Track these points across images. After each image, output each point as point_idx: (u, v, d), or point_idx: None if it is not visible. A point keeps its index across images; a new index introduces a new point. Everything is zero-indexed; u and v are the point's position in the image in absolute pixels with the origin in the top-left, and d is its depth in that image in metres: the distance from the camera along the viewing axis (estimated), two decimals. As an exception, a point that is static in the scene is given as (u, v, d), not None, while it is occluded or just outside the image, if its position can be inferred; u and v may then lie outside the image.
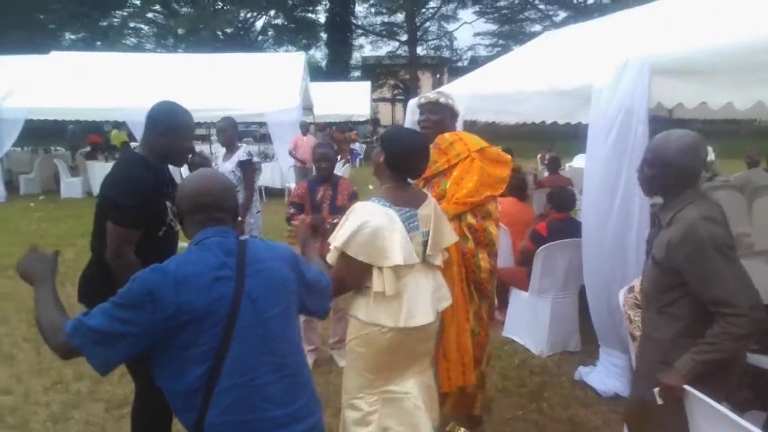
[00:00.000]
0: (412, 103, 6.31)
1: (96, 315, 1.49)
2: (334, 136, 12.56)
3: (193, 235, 1.68)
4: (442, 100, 3.11)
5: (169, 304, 1.48)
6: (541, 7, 33.57)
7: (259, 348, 1.58)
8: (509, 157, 3.23)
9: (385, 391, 2.36)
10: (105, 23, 34.13)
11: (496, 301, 3.33)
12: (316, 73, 18.54)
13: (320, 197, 3.90)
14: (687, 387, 1.91)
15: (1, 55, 13.80)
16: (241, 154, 4.88)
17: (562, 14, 32.49)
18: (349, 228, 2.22)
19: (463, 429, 3.18)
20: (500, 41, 35.70)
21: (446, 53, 38.54)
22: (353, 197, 3.97)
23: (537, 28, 32.17)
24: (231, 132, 5.03)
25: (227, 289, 1.56)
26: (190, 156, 2.63)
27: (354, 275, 2.27)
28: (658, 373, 2.02)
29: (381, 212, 2.27)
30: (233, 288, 1.56)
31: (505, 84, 5.20)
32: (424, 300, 2.35)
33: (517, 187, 5.08)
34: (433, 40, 37.71)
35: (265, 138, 18.06)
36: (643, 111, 3.24)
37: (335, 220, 3.35)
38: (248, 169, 4.90)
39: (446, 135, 3.05)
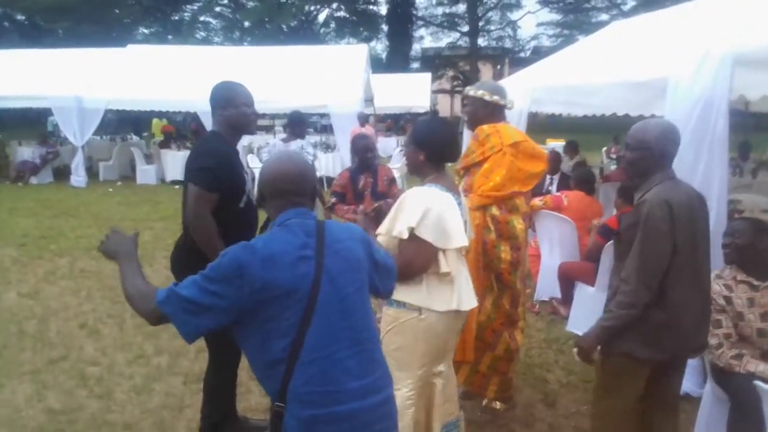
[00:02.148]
0: None
1: (188, 286, 1.60)
2: (406, 129, 12.53)
3: (275, 217, 1.78)
4: (471, 92, 3.15)
5: (256, 279, 1.57)
6: (608, -5, 32.37)
7: (339, 323, 1.66)
8: (545, 152, 3.24)
9: (420, 378, 2.41)
10: (176, 17, 35.48)
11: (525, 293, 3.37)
12: (376, 64, 18.63)
13: (362, 185, 4.08)
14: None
15: (80, 48, 14.65)
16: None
17: (630, 2, 31.19)
18: (417, 211, 2.28)
19: (499, 403, 3.27)
20: (565, 31, 34.69)
21: (508, 44, 37.84)
22: (393, 182, 4.17)
23: (604, 17, 31.06)
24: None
25: (309, 267, 1.64)
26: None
27: (424, 258, 2.30)
28: None
29: (441, 196, 2.35)
30: (314, 267, 1.65)
31: (574, 75, 5.10)
32: (467, 286, 2.45)
33: (585, 181, 4.99)
34: (495, 30, 37.09)
35: (326, 129, 18.36)
36: (724, 104, 3.12)
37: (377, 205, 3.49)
38: None
39: (485, 127, 3.07)
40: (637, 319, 2.17)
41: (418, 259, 2.30)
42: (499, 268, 2.98)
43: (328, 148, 13.38)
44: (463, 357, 2.95)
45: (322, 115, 18.79)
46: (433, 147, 2.44)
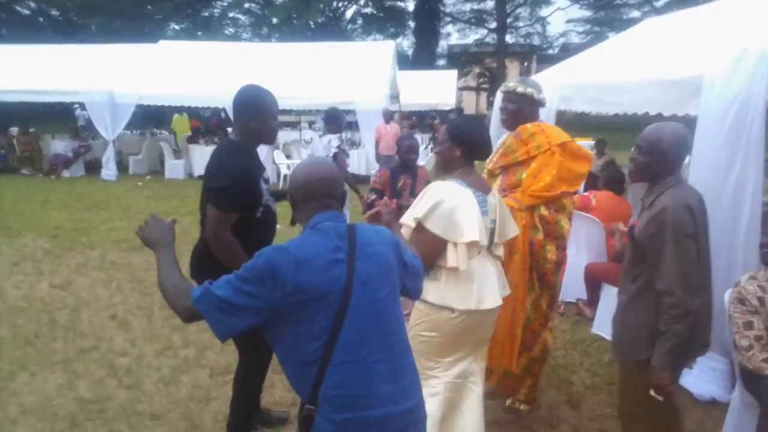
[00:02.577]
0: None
1: (222, 285, 1.62)
2: (434, 127, 12.46)
3: (305, 220, 1.78)
4: (519, 89, 3.10)
5: (289, 281, 1.58)
6: (640, -9, 31.70)
7: (371, 327, 1.66)
8: (590, 153, 3.19)
9: (448, 368, 2.42)
10: (206, 14, 35.91)
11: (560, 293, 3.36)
12: (402, 61, 18.57)
13: (401, 185, 4.23)
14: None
15: (113, 44, 14.92)
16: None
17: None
18: (428, 202, 2.32)
19: (519, 402, 3.24)
20: (595, 28, 34.13)
21: (536, 40, 37.39)
22: (429, 183, 4.10)
23: (635, 14, 30.48)
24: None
25: (341, 270, 1.64)
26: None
27: (428, 249, 2.30)
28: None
29: (459, 191, 2.37)
30: (346, 270, 1.65)
31: (605, 73, 5.01)
32: (492, 285, 2.43)
33: (615, 180, 4.90)
34: (524, 27, 36.67)
35: (350, 125, 18.40)
36: (761, 104, 3.05)
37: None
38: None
39: (528, 126, 3.03)
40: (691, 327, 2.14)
41: (422, 250, 2.26)
42: (543, 268, 2.97)
43: (353, 144, 13.40)
44: (501, 363, 2.94)
45: (347, 112, 18.88)
46: (470, 144, 2.49)
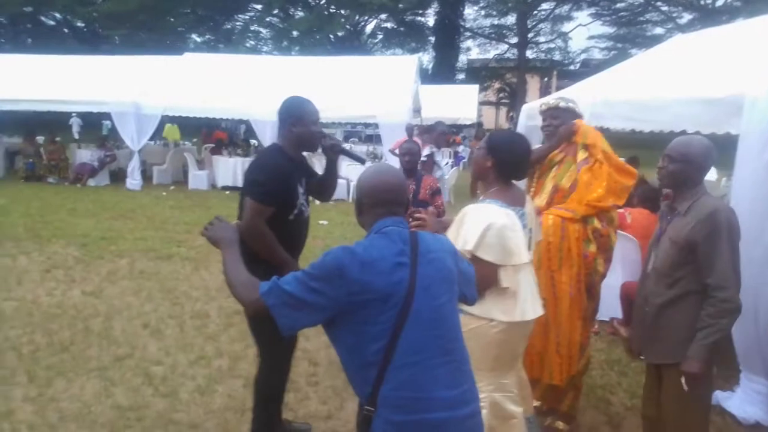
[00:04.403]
0: (526, 107, 6.27)
1: (290, 281, 1.67)
2: (473, 147, 12.39)
3: (371, 224, 1.84)
4: (562, 104, 3.17)
5: (354, 281, 1.63)
6: (664, 9, 31.56)
7: (431, 331, 1.69)
8: (635, 170, 3.22)
9: (491, 390, 2.41)
10: (228, 26, 36.46)
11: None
12: (421, 75, 18.69)
13: None
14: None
15: (138, 56, 15.19)
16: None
17: (686, 17, 30.42)
18: (475, 231, 2.30)
19: (561, 423, 3.20)
20: (617, 44, 34.09)
21: (557, 56, 37.39)
22: (436, 193, 4.30)
23: (659, 30, 30.41)
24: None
25: (404, 274, 1.68)
26: (321, 139, 2.96)
27: (487, 277, 2.30)
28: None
29: (501, 213, 2.36)
30: (409, 274, 1.69)
31: (637, 90, 5.00)
32: (532, 295, 2.45)
33: (651, 198, 4.86)
34: (544, 42, 36.70)
35: (371, 138, 18.49)
36: (806, 123, 3.01)
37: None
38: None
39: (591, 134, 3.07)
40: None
41: (481, 278, 2.26)
42: (593, 281, 3.02)
43: (375, 157, 13.47)
44: (546, 376, 2.98)
45: (367, 125, 18.98)
46: (503, 158, 2.46)
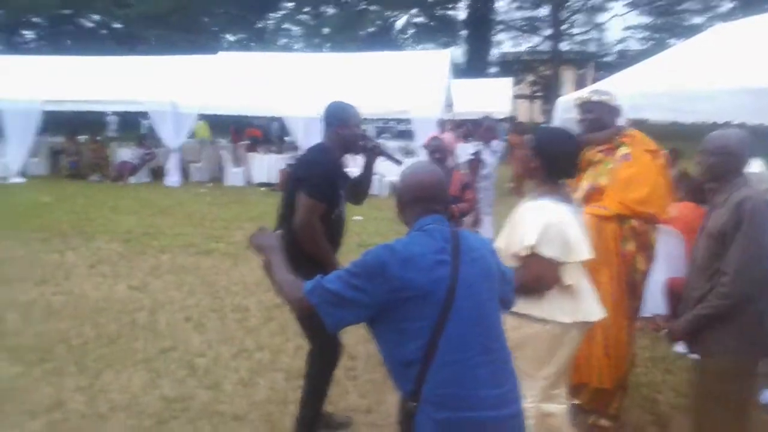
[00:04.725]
0: (561, 100, 6.18)
1: (333, 280, 1.71)
2: (511, 141, 12.14)
3: (411, 222, 1.85)
4: (595, 98, 3.11)
5: (396, 278, 1.65)
6: (704, -3, 30.57)
7: (473, 329, 1.70)
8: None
9: (538, 400, 2.36)
10: (260, 25, 36.82)
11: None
12: (453, 69, 18.54)
13: None
14: None
15: (174, 55, 15.48)
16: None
17: (727, 5, 29.38)
18: (536, 227, 2.25)
19: (604, 420, 3.14)
20: (655, 34, 33.17)
21: (592, 47, 36.60)
22: (467, 187, 4.40)
23: (698, 20, 29.45)
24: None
25: (445, 271, 1.69)
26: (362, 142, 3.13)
27: (548, 276, 2.27)
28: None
29: (559, 209, 2.30)
30: (450, 271, 1.69)
31: (680, 81, 4.87)
32: (592, 297, 2.39)
33: (696, 191, 4.73)
34: (579, 34, 35.95)
35: (402, 134, 18.44)
36: None
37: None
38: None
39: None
40: (732, 311, 2.28)
41: (546, 274, 2.27)
42: (633, 279, 2.95)
43: (407, 153, 13.45)
44: (594, 379, 2.93)
45: (399, 121, 18.96)
46: (551, 157, 2.38)
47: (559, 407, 2.43)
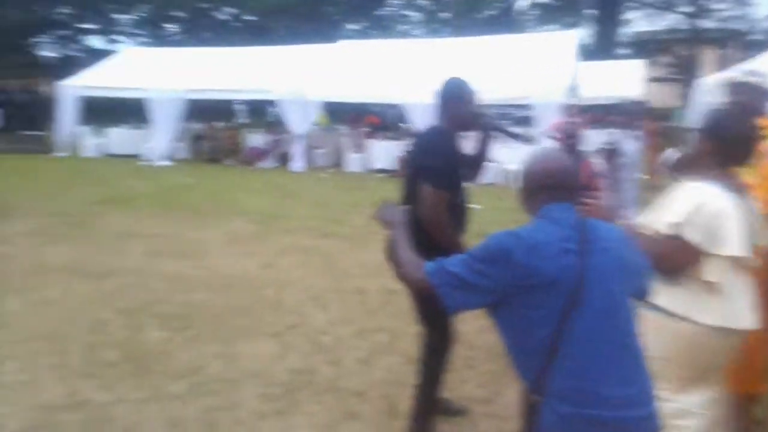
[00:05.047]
0: (703, 83, 5.65)
1: (456, 263, 1.70)
2: (645, 128, 11.42)
3: (536, 209, 1.79)
4: (751, 79, 2.78)
5: (520, 265, 1.61)
6: None
7: (602, 322, 1.62)
8: None
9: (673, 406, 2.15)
10: (380, 12, 37.35)
11: None
12: (581, 51, 17.52)
13: None
14: None
15: (296, 45, 16.16)
16: None
17: None
18: (686, 205, 2.07)
19: None
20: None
21: (737, 24, 33.05)
22: (595, 176, 4.13)
23: None
24: None
25: (572, 260, 1.63)
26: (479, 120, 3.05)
27: (682, 258, 2.08)
28: None
29: (720, 195, 2.08)
30: (577, 260, 1.63)
31: None
32: (747, 302, 2.12)
33: None
34: (721, 10, 32.58)
35: (522, 121, 17.88)
36: None
37: None
38: None
39: None
40: None
41: (675, 257, 2.08)
42: None
43: (527, 140, 13.04)
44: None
45: (519, 107, 18.39)
46: (722, 141, 2.15)
47: (693, 416, 2.23)
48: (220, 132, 15.39)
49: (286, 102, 13.30)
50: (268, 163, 14.16)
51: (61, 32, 31.17)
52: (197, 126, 15.50)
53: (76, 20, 30.96)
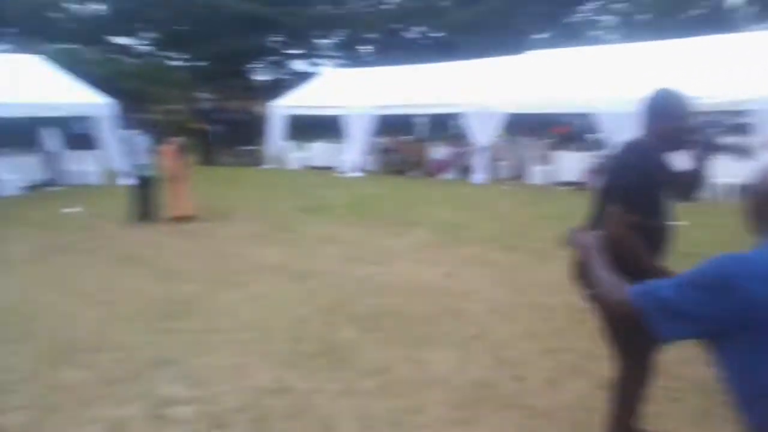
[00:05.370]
0: None
1: (666, 286, 1.54)
2: None
3: (765, 230, 1.56)
4: None
5: (746, 294, 1.40)
6: None
7: None
8: None
9: None
10: (569, 20, 35.94)
11: None
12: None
13: None
14: None
15: (482, 59, 16.18)
16: None
17: None
18: None
19: None
20: None
21: None
22: None
23: None
24: None
25: None
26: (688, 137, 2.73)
27: None
28: None
29: None
30: None
31: None
32: None
33: None
34: None
35: (736, 129, 15.77)
36: None
37: None
38: None
39: None
40: None
41: None
42: None
43: (743, 152, 11.50)
44: None
45: (733, 113, 16.27)
46: None
47: None
48: (406, 145, 16.06)
49: (471, 114, 13.43)
50: (450, 175, 14.41)
51: (272, 58, 35.21)
52: (384, 140, 16.35)
53: (284, 47, 34.73)
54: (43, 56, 14.70)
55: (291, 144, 17.57)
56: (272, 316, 4.95)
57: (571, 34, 33.08)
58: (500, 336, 4.48)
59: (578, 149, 13.05)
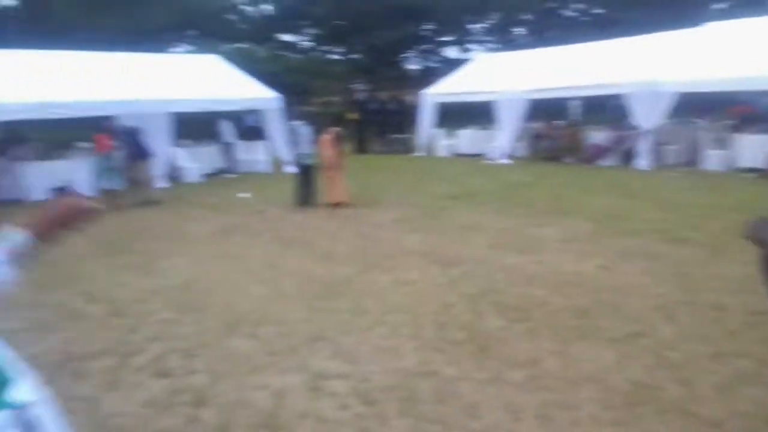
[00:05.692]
0: None
1: None
2: None
3: None
4: None
5: None
6: None
7: None
8: None
9: None
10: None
11: None
12: None
13: None
14: None
15: (650, 34, 14.75)
16: None
17: None
18: None
19: None
20: None
21: None
22: None
23: None
24: None
25: None
26: None
27: None
28: None
29: None
30: None
31: None
32: None
33: None
34: None
35: None
36: None
37: None
38: None
39: None
40: None
41: None
42: None
43: None
44: None
45: None
46: None
47: None
48: (560, 130, 15.30)
49: (634, 95, 12.41)
50: (609, 161, 13.49)
51: (424, 47, 35.52)
52: (536, 125, 15.74)
53: (436, 34, 34.84)
54: (219, 56, 16.30)
55: (440, 132, 17.66)
56: (419, 301, 5.06)
57: (756, 2, 28.99)
58: (663, 335, 4.13)
59: (762, 131, 11.48)
